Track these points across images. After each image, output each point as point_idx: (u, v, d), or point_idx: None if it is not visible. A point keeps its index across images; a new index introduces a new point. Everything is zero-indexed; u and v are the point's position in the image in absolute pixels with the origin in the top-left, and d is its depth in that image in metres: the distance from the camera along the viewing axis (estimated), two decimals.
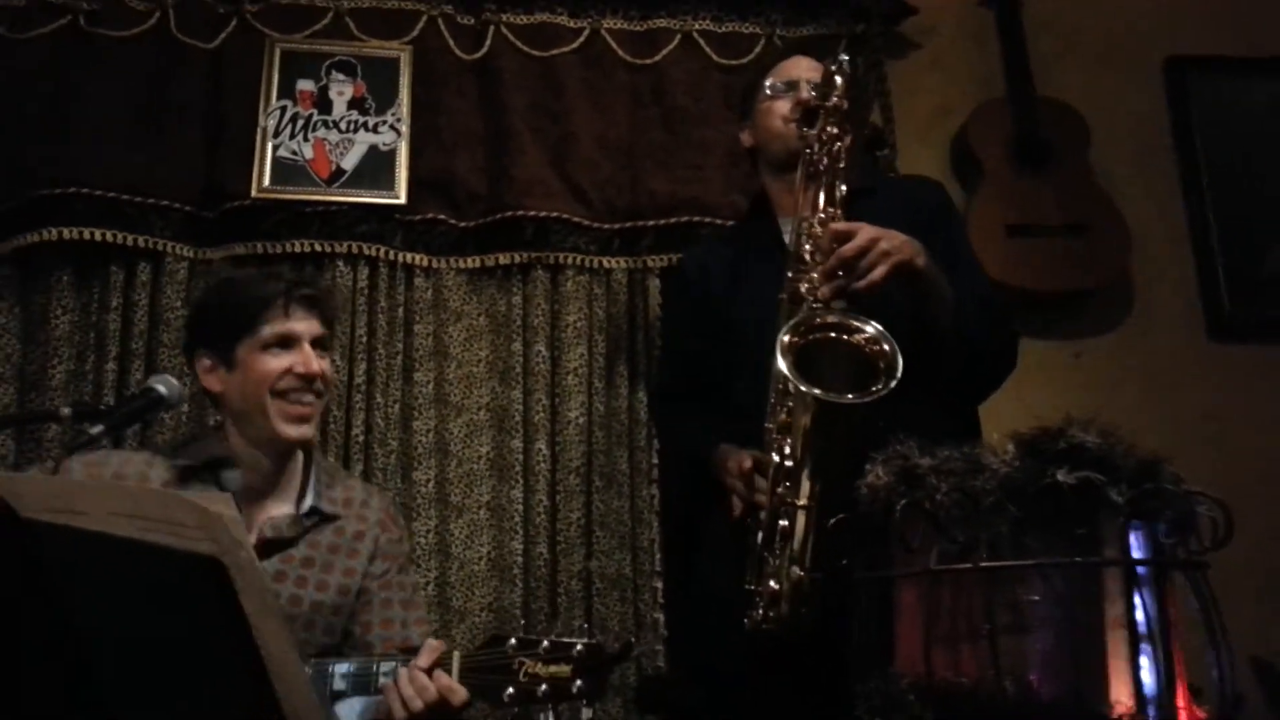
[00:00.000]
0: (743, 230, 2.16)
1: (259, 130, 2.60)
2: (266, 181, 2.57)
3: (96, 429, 1.50)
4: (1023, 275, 2.70)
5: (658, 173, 2.67)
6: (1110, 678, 0.96)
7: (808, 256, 1.76)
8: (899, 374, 1.54)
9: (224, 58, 2.64)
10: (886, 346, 1.58)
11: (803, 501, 1.59)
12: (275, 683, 0.95)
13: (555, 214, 2.61)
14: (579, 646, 1.41)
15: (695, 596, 1.94)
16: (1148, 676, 0.96)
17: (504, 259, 2.63)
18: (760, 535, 1.66)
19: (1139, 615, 0.97)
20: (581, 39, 2.76)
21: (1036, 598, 0.98)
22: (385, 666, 1.46)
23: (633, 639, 1.52)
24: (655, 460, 2.57)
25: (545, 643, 1.41)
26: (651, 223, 2.64)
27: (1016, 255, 2.70)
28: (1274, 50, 2.95)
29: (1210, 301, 2.83)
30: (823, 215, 1.78)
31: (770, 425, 1.70)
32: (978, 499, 0.99)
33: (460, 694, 1.40)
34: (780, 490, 1.63)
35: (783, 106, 1.96)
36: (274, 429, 1.68)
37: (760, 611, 1.63)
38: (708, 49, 2.77)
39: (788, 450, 1.64)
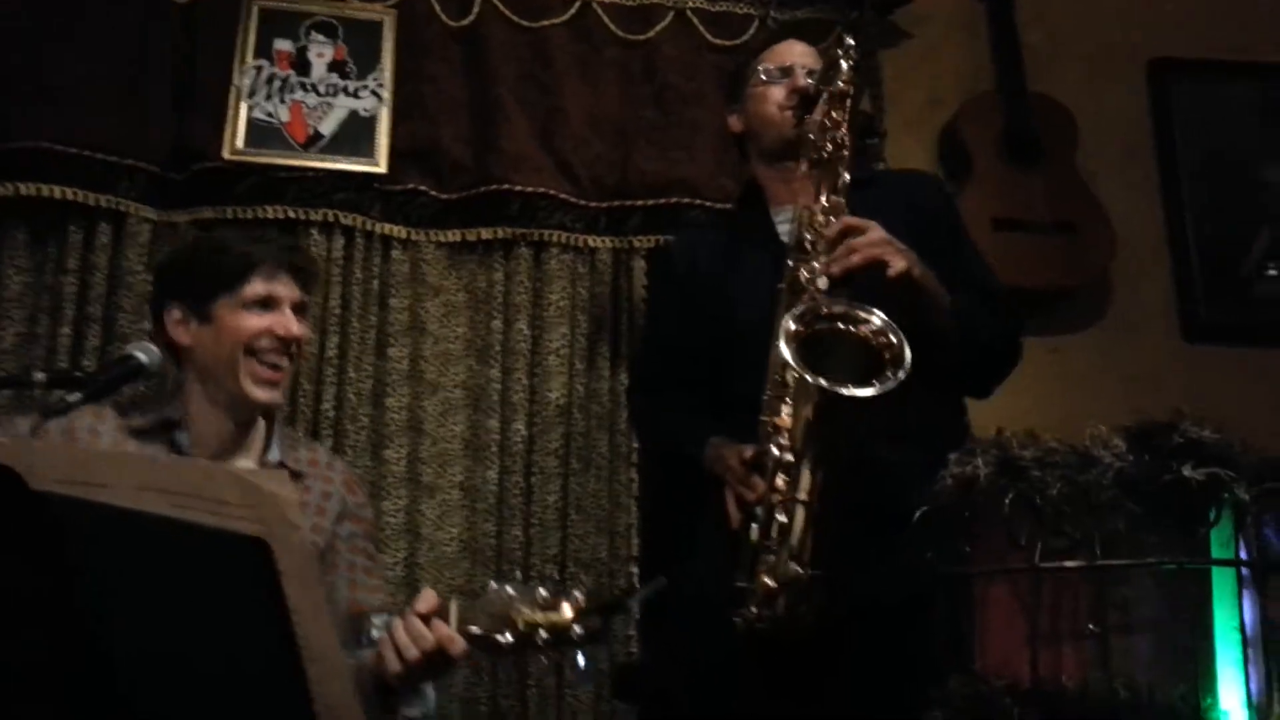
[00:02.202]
0: (733, 220, 2.09)
1: (233, 90, 2.49)
2: (240, 144, 2.46)
3: (74, 397, 1.41)
4: (1007, 270, 2.61)
5: (648, 152, 2.61)
6: (1220, 683, 0.93)
7: (809, 246, 1.70)
8: (907, 367, 1.49)
9: (198, 13, 2.53)
10: (894, 338, 1.53)
11: (803, 496, 1.54)
12: (310, 671, 0.88)
13: (542, 190, 2.54)
14: (577, 593, 1.37)
15: (682, 596, 1.89)
16: (1255, 682, 0.93)
17: (486, 234, 2.55)
18: (756, 531, 1.60)
19: (1247, 618, 0.94)
20: (572, 11, 2.68)
21: (1148, 598, 0.94)
22: (378, 619, 1.40)
23: (636, 583, 1.48)
24: (635, 444, 2.52)
25: (543, 591, 1.37)
26: (640, 203, 2.59)
27: (1002, 249, 2.67)
28: (1256, 55, 2.98)
29: (1186, 303, 2.85)
30: (825, 204, 1.73)
31: (766, 419, 1.64)
32: (1089, 494, 0.95)
33: (459, 643, 1.34)
34: (779, 485, 1.58)
35: (777, 93, 1.89)
36: (243, 390, 1.62)
37: (754, 610, 1.57)
38: (701, 28, 2.72)
39: (785, 443, 1.59)
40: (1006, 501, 0.99)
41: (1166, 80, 2.96)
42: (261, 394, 1.63)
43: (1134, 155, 2.94)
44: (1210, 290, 2.84)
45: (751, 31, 2.71)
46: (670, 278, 2.07)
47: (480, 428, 2.49)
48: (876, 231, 1.63)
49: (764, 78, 1.93)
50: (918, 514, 1.14)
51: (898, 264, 1.60)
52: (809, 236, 1.72)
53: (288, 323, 1.64)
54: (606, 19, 2.69)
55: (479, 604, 1.38)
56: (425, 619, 1.36)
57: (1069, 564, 0.97)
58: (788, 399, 1.62)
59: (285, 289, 1.65)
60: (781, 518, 1.56)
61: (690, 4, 2.73)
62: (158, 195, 2.44)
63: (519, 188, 2.52)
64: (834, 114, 1.77)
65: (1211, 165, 2.91)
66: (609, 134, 2.64)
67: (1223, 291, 2.85)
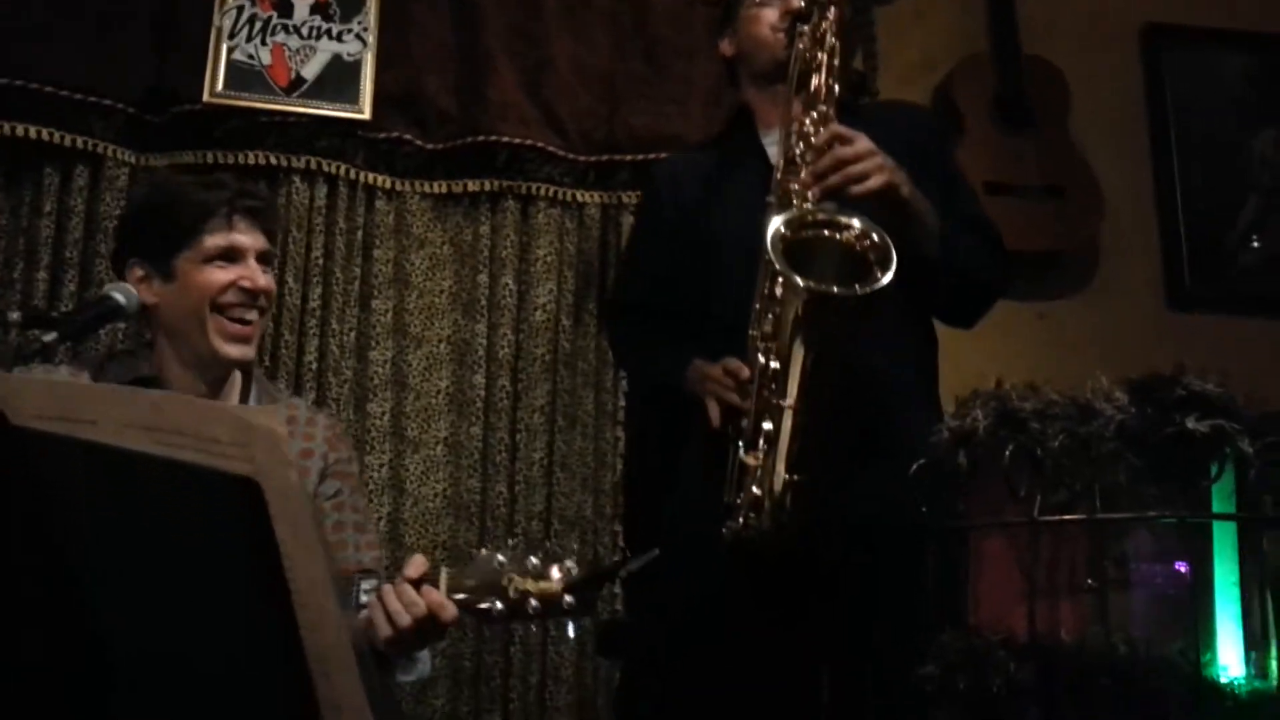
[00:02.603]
0: (720, 142, 2.05)
1: (213, 30, 2.42)
2: (220, 86, 2.40)
3: (50, 336, 1.37)
4: None
5: (637, 106, 2.57)
6: (1219, 638, 0.93)
7: (798, 157, 1.68)
8: (894, 265, 1.49)
9: None
10: (877, 238, 1.53)
11: (789, 403, 1.53)
12: (300, 617, 0.86)
13: (530, 142, 2.49)
14: (569, 562, 1.36)
15: (666, 525, 1.88)
16: (1254, 636, 0.93)
17: (473, 186, 2.51)
18: (742, 442, 1.59)
19: (1246, 574, 0.93)
20: None
21: (1147, 552, 0.93)
22: (366, 584, 1.38)
23: (627, 554, 1.47)
24: (621, 402, 2.50)
25: (534, 559, 1.36)
26: (629, 157, 2.55)
27: (992, 213, 2.64)
28: (1248, 23, 2.96)
29: (1172, 271, 2.86)
30: (815, 115, 1.71)
31: (755, 333, 1.63)
32: (1090, 446, 0.94)
33: (450, 610, 1.33)
34: (765, 393, 1.57)
35: (770, 14, 1.86)
36: (212, 347, 1.56)
37: (740, 519, 1.56)
38: None
39: (773, 354, 1.57)
40: (1006, 453, 0.97)
41: (1159, 46, 2.94)
42: (232, 350, 1.57)
43: (1125, 121, 2.93)
44: (1196, 259, 2.85)
45: (722, 6, 2.65)
46: (654, 202, 2.04)
47: (465, 383, 2.46)
48: (864, 142, 1.62)
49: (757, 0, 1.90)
50: (914, 467, 1.13)
51: (880, 178, 1.59)
52: (800, 148, 1.70)
53: (253, 274, 1.57)
54: None
55: (469, 570, 1.37)
56: (416, 585, 1.35)
57: (1068, 518, 0.96)
58: (774, 310, 1.61)
59: (247, 238, 1.58)
60: (767, 425, 1.55)
61: None
62: (136, 138, 2.38)
63: (506, 139, 2.48)
64: (824, 24, 1.74)
65: (1202, 133, 2.91)
66: (598, 87, 2.59)
67: (1209, 260, 2.85)
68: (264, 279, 1.59)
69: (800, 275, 1.50)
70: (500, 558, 1.37)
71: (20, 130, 2.27)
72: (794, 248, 1.55)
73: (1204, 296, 2.84)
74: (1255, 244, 2.91)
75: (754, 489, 1.54)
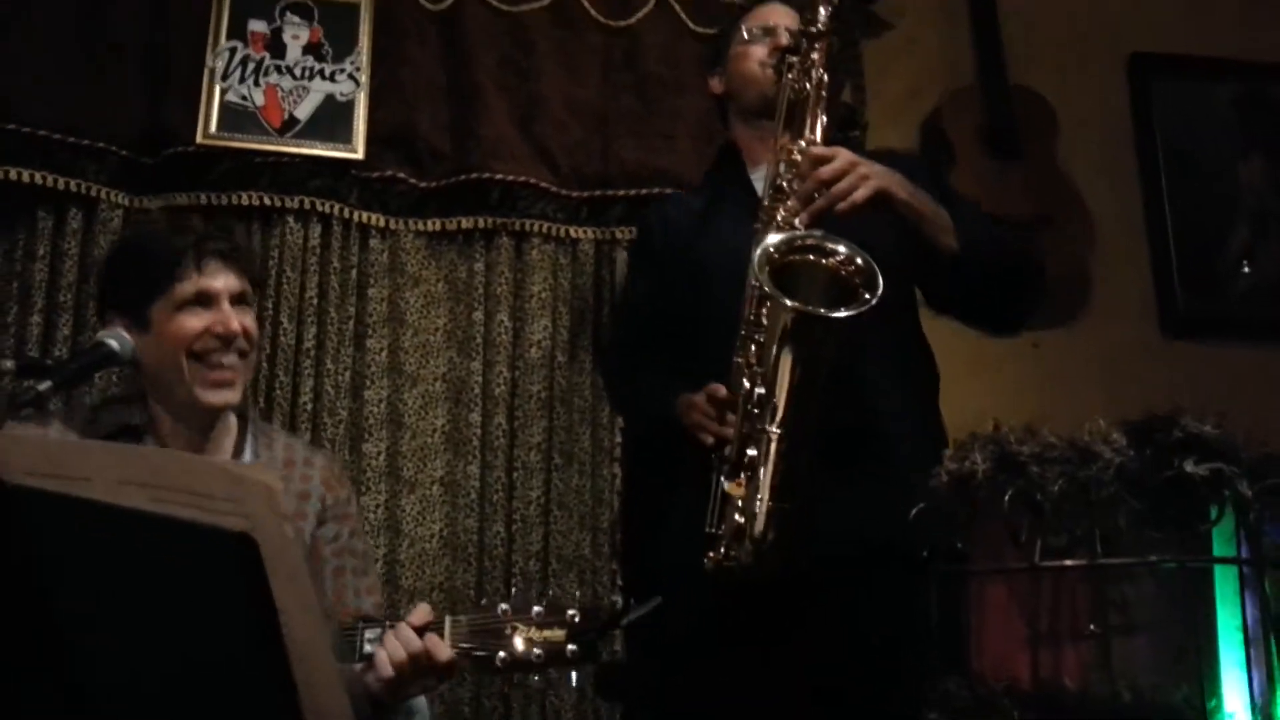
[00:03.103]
0: (710, 180, 2.06)
1: (206, 71, 2.42)
2: (213, 127, 2.40)
3: (44, 385, 1.36)
4: None
5: (629, 141, 2.58)
6: (1224, 684, 0.92)
7: (785, 185, 1.69)
8: (879, 289, 1.48)
9: None
10: (861, 261, 1.52)
11: (774, 428, 1.52)
12: (296, 672, 0.85)
13: (523, 179, 2.49)
14: (572, 611, 1.36)
15: (658, 559, 1.87)
16: (1257, 683, 0.92)
17: (466, 223, 2.51)
18: (726, 468, 1.57)
19: (1249, 617, 0.93)
20: None
21: (1149, 598, 0.92)
22: (370, 633, 1.37)
23: (631, 601, 1.47)
24: (619, 439, 2.50)
25: (538, 607, 1.36)
26: (621, 193, 2.55)
27: None
28: (1234, 52, 2.99)
29: (1165, 298, 2.88)
30: (802, 142, 1.71)
31: (740, 360, 1.62)
32: (1089, 490, 0.93)
33: (445, 650, 1.33)
34: (750, 419, 1.55)
35: (759, 51, 1.90)
36: (193, 395, 1.54)
37: (722, 549, 1.54)
38: (683, 15, 2.68)
39: (760, 380, 1.55)
40: (1006, 498, 0.97)
41: (1146, 75, 2.98)
42: (213, 397, 1.55)
43: (1114, 150, 2.96)
44: (1188, 285, 2.87)
45: (713, 46, 2.67)
46: (647, 242, 2.06)
47: (461, 421, 2.45)
48: (844, 156, 1.61)
49: (746, 37, 1.94)
50: (913, 512, 1.13)
51: (867, 188, 1.58)
52: (786, 176, 1.70)
53: (225, 318, 1.55)
54: (588, 4, 2.64)
55: (473, 618, 1.37)
56: (419, 632, 1.34)
57: (1069, 563, 0.95)
58: (759, 335, 1.60)
59: (218, 280, 1.56)
60: (752, 451, 1.53)
61: None
62: (129, 180, 2.37)
63: (499, 176, 2.48)
64: (812, 54, 1.75)
65: (1190, 161, 2.93)
66: (589, 122, 2.60)
67: (1200, 287, 2.87)
68: (236, 322, 1.56)
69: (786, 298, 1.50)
70: (504, 606, 1.37)
71: (14, 174, 2.27)
72: (780, 273, 1.55)
73: (1197, 323, 2.86)
74: (1245, 270, 2.93)
75: (736, 517, 1.52)
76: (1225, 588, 0.95)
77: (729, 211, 1.87)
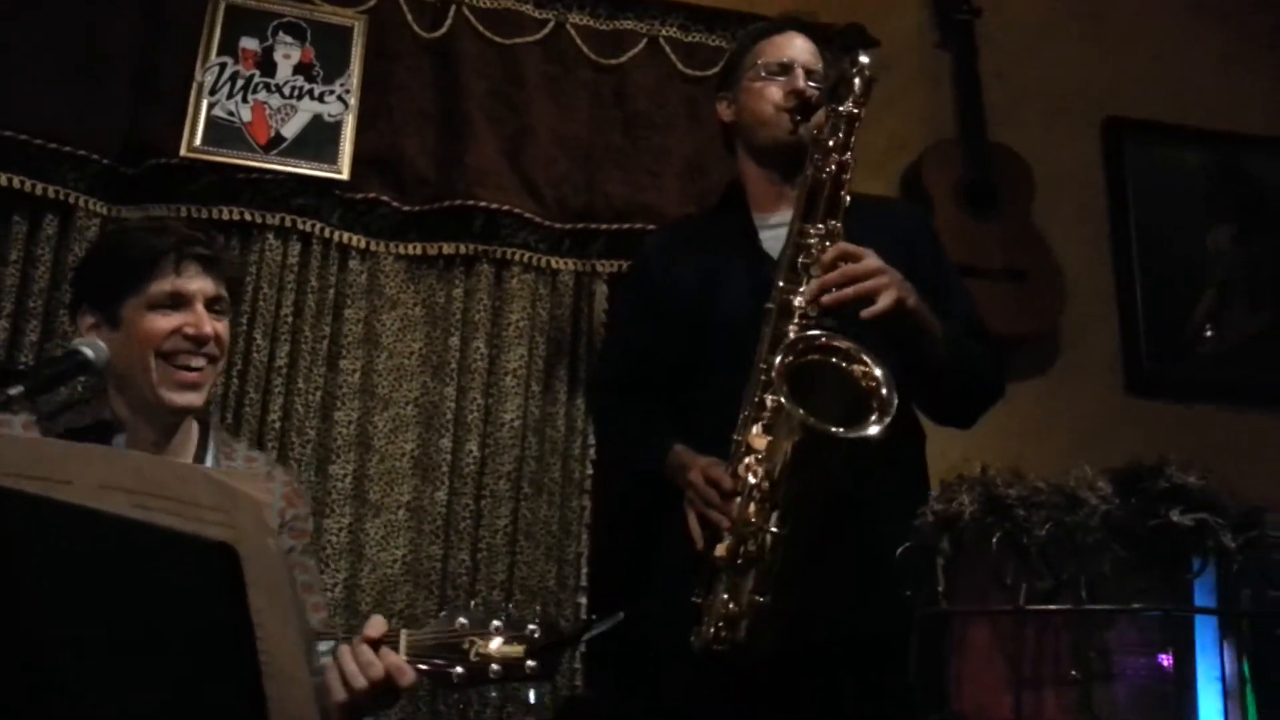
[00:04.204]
0: (712, 221, 2.01)
1: (194, 85, 2.42)
2: (198, 141, 2.39)
3: (16, 390, 1.33)
4: None
5: (614, 176, 2.60)
6: None
7: (800, 267, 1.66)
8: (892, 416, 1.47)
9: (163, 4, 2.45)
10: (884, 390, 1.50)
11: (774, 528, 1.51)
12: (269, 687, 0.83)
13: (506, 207, 2.50)
14: (532, 626, 1.34)
15: (641, 627, 1.85)
16: None
17: (448, 249, 2.51)
18: (722, 550, 1.55)
19: (1228, 668, 0.94)
20: (546, 30, 2.67)
21: (1131, 645, 0.93)
22: (323, 645, 1.34)
23: (593, 616, 1.45)
24: (589, 471, 2.49)
25: (497, 621, 1.34)
26: (604, 226, 2.57)
27: None
28: (1207, 121, 3.08)
29: (1130, 357, 2.92)
30: (822, 227, 1.68)
31: (740, 438, 1.61)
32: (1075, 535, 0.94)
33: (408, 674, 1.30)
34: (749, 512, 1.54)
35: (775, 92, 1.83)
36: (159, 395, 1.53)
37: (711, 630, 1.54)
38: (673, 56, 2.72)
39: (759, 469, 1.55)
40: (994, 541, 0.97)
41: (1120, 138, 3.05)
42: (178, 398, 1.54)
43: (1087, 209, 3.02)
44: (1155, 346, 2.91)
45: (722, 64, 2.70)
46: (644, 276, 1.97)
47: (431, 446, 2.43)
48: (872, 260, 1.61)
49: (762, 72, 1.86)
50: (899, 550, 1.13)
51: (889, 297, 1.58)
52: (802, 260, 1.67)
53: (199, 320, 1.54)
54: (580, 41, 2.68)
55: (429, 632, 1.35)
56: (375, 646, 1.32)
57: (1055, 607, 0.96)
58: (764, 422, 1.59)
59: (194, 283, 1.56)
60: (750, 546, 1.53)
61: (664, 32, 2.73)
62: (109, 188, 2.35)
63: (483, 203, 2.49)
64: (840, 134, 1.71)
65: (1161, 224, 3.00)
66: (576, 156, 2.62)
67: (1167, 348, 2.92)
68: (210, 325, 1.56)
69: (799, 400, 1.48)
70: (462, 620, 1.35)
71: None
72: (796, 369, 1.54)
73: (1163, 383, 2.90)
74: (1208, 333, 2.98)
75: (730, 605, 1.52)
76: (1205, 638, 0.96)
77: (734, 263, 1.84)
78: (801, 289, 1.64)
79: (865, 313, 1.57)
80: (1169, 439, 2.82)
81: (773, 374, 1.53)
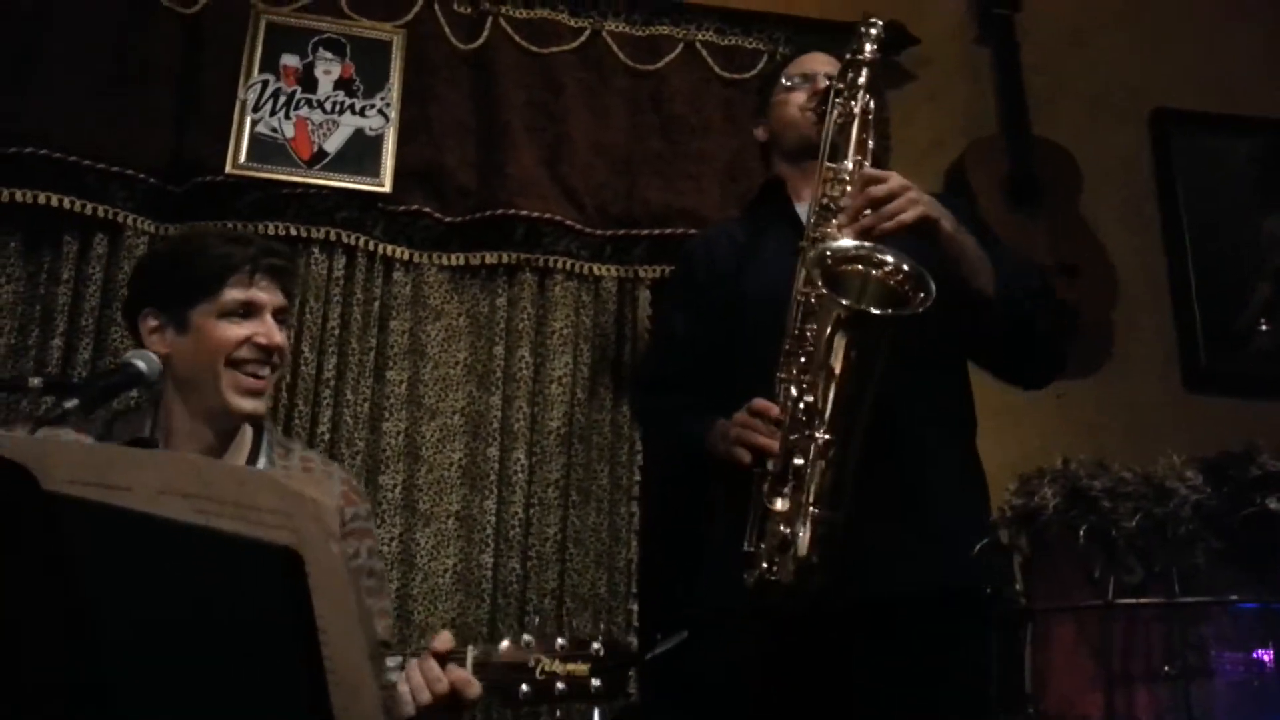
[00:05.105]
0: (752, 213, 2.04)
1: (238, 103, 2.44)
2: (243, 158, 2.41)
3: (71, 403, 1.34)
4: None
5: (654, 182, 2.59)
6: None
7: (831, 204, 1.67)
8: (932, 290, 1.45)
9: (204, 24, 2.48)
10: (908, 268, 1.49)
11: (823, 434, 1.47)
12: (334, 696, 0.82)
13: (548, 215, 2.50)
14: (597, 645, 1.32)
15: (693, 601, 1.82)
16: None
17: (490, 258, 2.51)
18: (767, 486, 1.52)
19: None
20: (582, 39, 2.67)
21: (1226, 638, 0.89)
22: (391, 661, 1.34)
23: (657, 635, 1.43)
24: (637, 477, 2.47)
25: (562, 640, 1.33)
26: (645, 232, 2.56)
27: None
28: (1255, 109, 3.01)
29: (1187, 352, 2.86)
30: (849, 164, 1.70)
31: (783, 375, 1.59)
32: (1166, 527, 0.91)
33: (475, 688, 1.30)
34: (797, 427, 1.51)
35: (799, 96, 1.92)
36: (224, 400, 1.56)
37: (764, 563, 1.48)
38: (710, 60, 2.71)
39: (806, 388, 1.52)
40: (1081, 533, 0.94)
41: (1168, 130, 2.99)
42: (245, 404, 1.57)
43: (1136, 202, 2.96)
44: (1211, 341, 2.85)
45: (760, 66, 2.69)
46: (689, 273, 2.00)
47: (479, 455, 2.43)
48: (896, 179, 1.60)
49: (787, 84, 1.97)
50: (976, 549, 1.09)
51: (915, 211, 1.56)
52: (834, 193, 1.69)
53: (269, 331, 1.58)
54: (616, 48, 2.68)
55: (496, 649, 1.34)
56: (441, 660, 1.31)
57: (1145, 601, 0.92)
58: (806, 349, 1.57)
59: (265, 294, 1.59)
60: (798, 460, 1.49)
61: (700, 37, 2.73)
62: (156, 207, 2.38)
63: (524, 212, 2.49)
64: (859, 77, 1.75)
65: (1212, 215, 2.93)
66: (615, 163, 2.61)
67: (1223, 342, 2.85)
68: (279, 336, 1.60)
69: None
70: (528, 637, 1.34)
71: (42, 198, 2.28)
72: (830, 283, 1.52)
73: (1221, 378, 2.83)
74: (1264, 327, 2.91)
75: (780, 528, 1.47)
76: None
77: (772, 243, 1.86)
78: (834, 223, 1.64)
79: (888, 225, 1.55)
80: (1229, 436, 2.77)
81: (811, 299, 1.53)
